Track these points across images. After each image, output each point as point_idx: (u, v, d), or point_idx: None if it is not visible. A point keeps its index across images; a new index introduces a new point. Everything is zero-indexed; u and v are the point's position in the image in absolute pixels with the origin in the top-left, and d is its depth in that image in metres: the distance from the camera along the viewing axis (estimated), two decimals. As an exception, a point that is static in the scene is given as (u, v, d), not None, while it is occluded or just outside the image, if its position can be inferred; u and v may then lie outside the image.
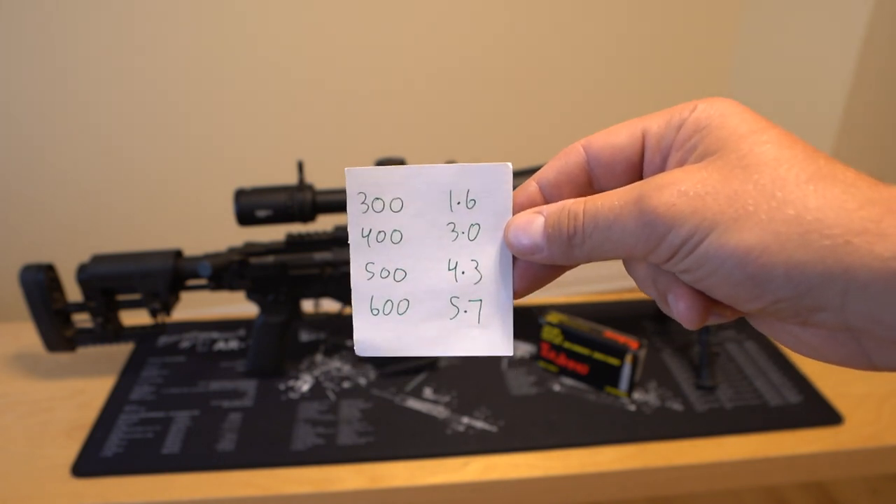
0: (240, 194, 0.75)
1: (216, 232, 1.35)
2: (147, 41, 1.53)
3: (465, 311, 0.29)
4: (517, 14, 1.72)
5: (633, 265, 0.27)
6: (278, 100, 1.67)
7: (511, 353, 0.30)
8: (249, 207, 0.75)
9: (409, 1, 1.63)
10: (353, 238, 0.29)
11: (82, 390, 0.82)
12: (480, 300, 0.29)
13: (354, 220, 0.29)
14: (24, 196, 1.61)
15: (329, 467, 0.70)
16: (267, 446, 0.73)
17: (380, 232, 0.29)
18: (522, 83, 1.81)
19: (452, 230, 0.29)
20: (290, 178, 1.31)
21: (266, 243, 0.81)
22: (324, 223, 0.84)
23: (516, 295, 0.29)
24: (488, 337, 0.30)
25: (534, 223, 0.27)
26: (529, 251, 0.27)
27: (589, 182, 0.28)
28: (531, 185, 0.28)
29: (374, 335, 0.30)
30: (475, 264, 0.29)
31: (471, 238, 0.29)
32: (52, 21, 1.45)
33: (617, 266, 2.05)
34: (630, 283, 2.16)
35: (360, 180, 0.29)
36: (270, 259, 0.80)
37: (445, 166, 0.29)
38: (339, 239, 0.80)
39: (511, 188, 0.29)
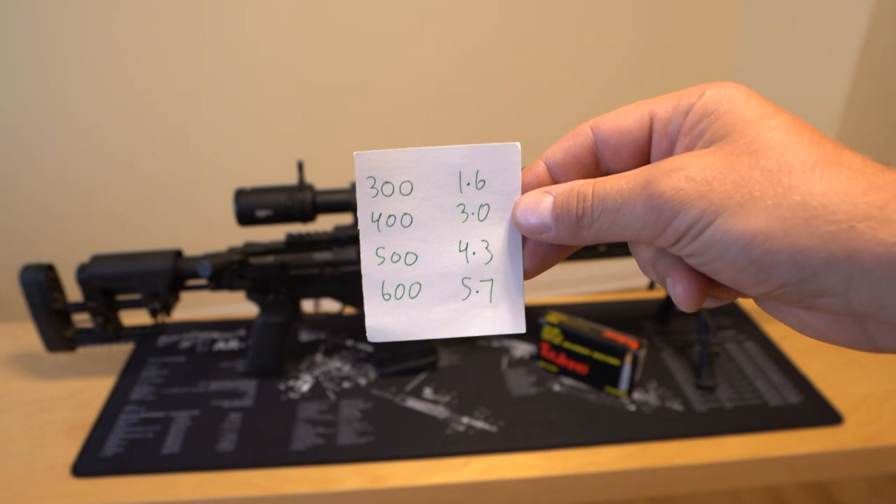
0: (240, 194, 0.75)
1: (216, 232, 1.36)
2: (147, 41, 1.53)
3: (477, 292, 0.30)
4: (516, 10, 1.72)
5: (637, 247, 0.28)
6: (278, 100, 1.67)
7: (524, 331, 0.30)
8: (249, 207, 0.75)
9: (410, 0, 1.63)
10: (363, 223, 0.29)
11: (82, 390, 0.82)
12: (492, 280, 0.30)
13: (364, 205, 0.29)
14: (23, 196, 1.61)
15: (329, 467, 0.70)
16: (267, 446, 0.73)
17: (390, 216, 0.29)
18: (523, 81, 1.81)
19: (462, 211, 0.29)
20: (290, 178, 1.31)
21: (266, 243, 0.81)
22: (324, 223, 0.84)
23: (526, 275, 0.30)
24: (501, 316, 0.30)
25: (543, 203, 0.27)
26: (538, 230, 0.28)
27: (596, 163, 0.28)
28: (539, 164, 0.29)
29: (386, 320, 0.30)
30: (486, 244, 0.29)
31: (480, 219, 0.29)
32: (52, 20, 1.45)
33: (617, 266, 2.05)
34: (630, 283, 2.16)
35: (369, 164, 0.29)
36: (270, 259, 0.80)
37: (454, 147, 0.29)
38: (339, 239, 0.80)
39: (520, 168, 0.29)
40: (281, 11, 1.57)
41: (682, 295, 0.25)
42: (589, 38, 1.80)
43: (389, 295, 0.29)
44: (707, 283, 0.25)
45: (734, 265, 0.22)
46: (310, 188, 0.76)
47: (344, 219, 1.86)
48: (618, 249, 0.82)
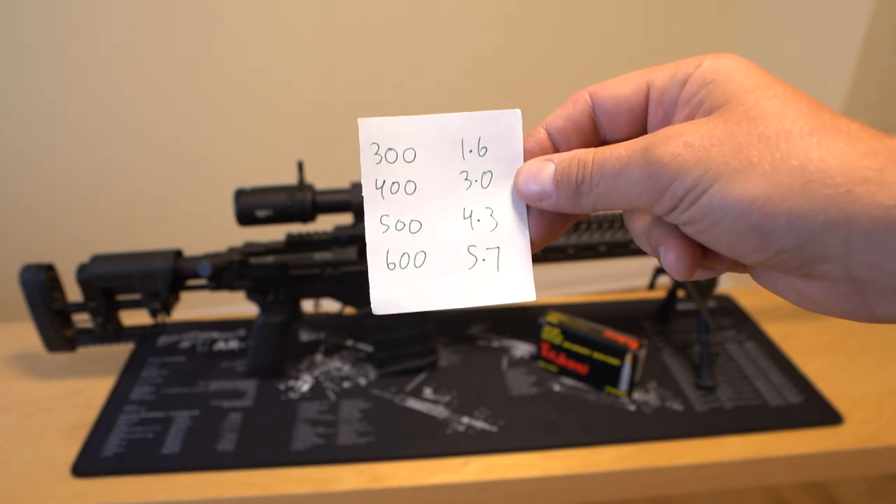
0: (240, 194, 0.75)
1: (216, 232, 1.35)
2: (147, 41, 1.53)
3: (484, 260, 0.29)
4: (519, 12, 1.72)
5: (633, 218, 0.28)
6: (278, 100, 1.67)
7: (534, 298, 0.29)
8: (249, 207, 0.75)
9: (410, 1, 1.63)
10: (367, 190, 0.29)
11: (82, 390, 0.82)
12: (498, 247, 0.29)
13: (368, 172, 0.29)
14: (23, 196, 1.61)
15: (329, 467, 0.70)
16: (267, 446, 0.73)
17: (393, 183, 0.29)
18: (524, 80, 1.81)
19: (465, 178, 0.29)
20: (290, 178, 1.30)
21: (266, 243, 0.81)
22: (324, 223, 0.84)
23: (534, 246, 0.29)
24: (509, 283, 0.29)
25: (544, 170, 0.27)
26: (538, 197, 0.28)
27: (595, 130, 0.28)
28: (540, 131, 0.29)
29: (391, 291, 0.29)
30: (490, 212, 0.29)
31: (484, 186, 0.29)
32: (52, 22, 1.45)
33: (617, 266, 2.05)
34: (630, 283, 2.16)
35: (372, 131, 0.29)
36: (270, 259, 0.80)
37: (456, 115, 0.29)
38: (339, 239, 0.80)
39: (521, 135, 0.29)
40: (280, 11, 1.57)
41: (674, 262, 0.25)
42: (590, 38, 1.80)
43: (394, 264, 0.29)
44: (699, 251, 0.25)
45: (732, 231, 0.22)
46: (310, 188, 0.76)
47: (344, 219, 1.87)
48: (618, 249, 0.82)
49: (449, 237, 0.29)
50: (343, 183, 0.81)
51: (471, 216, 0.29)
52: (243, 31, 1.57)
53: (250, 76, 1.62)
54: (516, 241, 0.29)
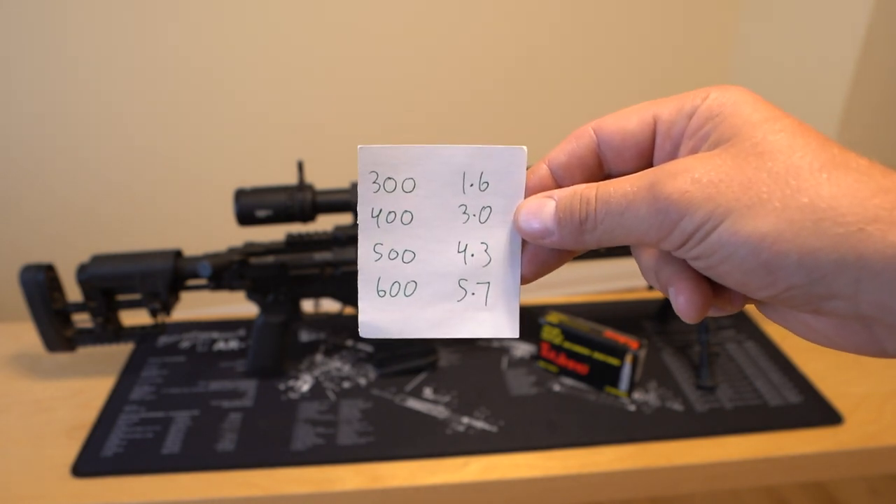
0: (240, 194, 0.75)
1: (216, 232, 1.35)
2: (147, 40, 1.53)
3: (473, 294, 0.29)
4: (517, 10, 1.72)
5: (640, 252, 0.27)
6: (278, 99, 1.67)
7: (517, 336, 0.29)
8: (249, 207, 0.75)
9: (412, 1, 1.63)
10: (363, 218, 0.29)
11: (82, 390, 0.82)
12: (488, 283, 0.29)
13: (365, 200, 0.28)
14: (24, 196, 1.61)
15: (329, 467, 0.70)
16: (267, 446, 0.73)
17: (390, 212, 0.29)
18: (524, 81, 1.81)
19: (464, 212, 0.29)
20: (290, 178, 1.31)
21: (266, 243, 0.81)
22: (324, 223, 0.84)
23: (523, 280, 0.29)
24: (495, 319, 0.29)
25: (545, 207, 0.27)
26: (540, 235, 0.27)
27: (599, 165, 0.28)
28: (542, 167, 0.28)
29: (379, 317, 0.29)
30: (485, 247, 0.29)
31: (482, 221, 0.29)
32: (52, 19, 1.45)
33: (617, 266, 2.05)
34: (630, 283, 2.16)
35: (372, 158, 0.28)
36: (270, 259, 0.80)
37: (460, 147, 0.28)
38: (339, 239, 0.80)
39: (524, 172, 0.29)
40: (281, 10, 1.57)
41: (685, 306, 0.25)
42: (590, 40, 1.80)
43: (384, 291, 0.29)
44: (710, 294, 0.25)
45: (742, 267, 0.22)
46: (310, 188, 0.76)
47: (344, 219, 1.86)
48: (618, 250, 0.82)
49: (441, 269, 0.29)
50: (343, 183, 0.81)
51: (465, 250, 0.29)
52: (243, 31, 1.57)
53: (250, 76, 1.62)
54: (507, 279, 0.29)
